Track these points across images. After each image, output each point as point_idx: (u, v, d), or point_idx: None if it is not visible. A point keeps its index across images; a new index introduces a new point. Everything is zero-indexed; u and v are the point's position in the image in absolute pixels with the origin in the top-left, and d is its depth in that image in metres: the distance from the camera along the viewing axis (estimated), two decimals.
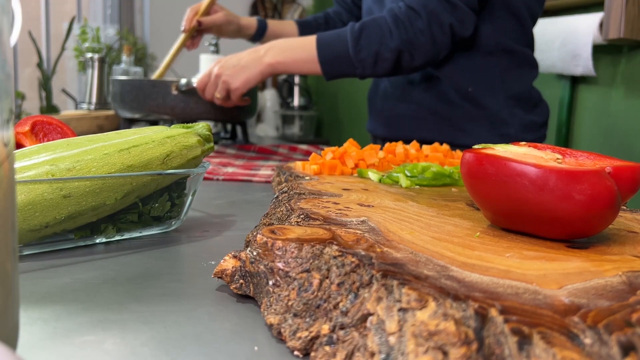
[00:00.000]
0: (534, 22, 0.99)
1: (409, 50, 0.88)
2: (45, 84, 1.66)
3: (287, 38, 0.97)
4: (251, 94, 1.12)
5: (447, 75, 0.96)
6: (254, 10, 3.00)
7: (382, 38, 0.87)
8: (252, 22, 1.22)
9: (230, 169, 0.87)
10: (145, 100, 1.11)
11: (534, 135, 0.97)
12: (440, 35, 0.88)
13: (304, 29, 1.25)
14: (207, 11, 1.17)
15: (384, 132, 1.08)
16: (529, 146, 0.39)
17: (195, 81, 1.08)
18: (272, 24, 1.24)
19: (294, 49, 0.92)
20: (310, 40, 0.91)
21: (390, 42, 0.87)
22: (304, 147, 1.19)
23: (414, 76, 1.01)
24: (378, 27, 0.88)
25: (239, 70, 0.94)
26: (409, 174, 0.57)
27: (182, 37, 1.17)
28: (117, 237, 0.44)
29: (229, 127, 1.56)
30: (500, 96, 0.95)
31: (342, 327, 0.24)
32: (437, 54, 0.90)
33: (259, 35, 1.23)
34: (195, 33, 1.18)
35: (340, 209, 0.40)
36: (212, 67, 0.98)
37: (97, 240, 0.43)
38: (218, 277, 0.32)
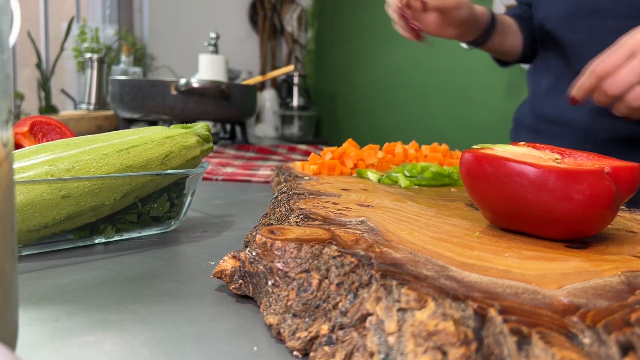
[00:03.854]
0: None
1: None
2: (44, 84, 1.66)
3: None
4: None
5: None
6: (253, 11, 2.99)
7: None
8: (484, 10, 0.90)
9: (229, 169, 0.87)
10: (144, 101, 1.11)
11: None
12: None
13: (518, 20, 0.98)
14: None
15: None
16: (528, 146, 0.39)
17: (194, 81, 1.08)
18: (496, 14, 0.93)
19: None
20: None
21: None
22: (303, 147, 1.19)
23: None
24: None
25: None
26: (408, 174, 0.57)
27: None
28: (116, 238, 0.44)
29: (228, 127, 1.56)
30: None
31: (341, 327, 0.24)
32: None
33: (492, 27, 0.91)
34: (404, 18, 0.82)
35: (339, 209, 0.40)
36: (625, 40, 0.60)
37: (96, 241, 0.43)
38: (217, 278, 0.32)
